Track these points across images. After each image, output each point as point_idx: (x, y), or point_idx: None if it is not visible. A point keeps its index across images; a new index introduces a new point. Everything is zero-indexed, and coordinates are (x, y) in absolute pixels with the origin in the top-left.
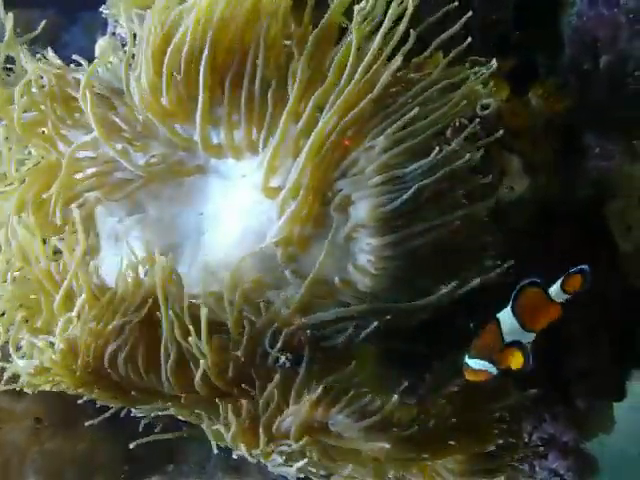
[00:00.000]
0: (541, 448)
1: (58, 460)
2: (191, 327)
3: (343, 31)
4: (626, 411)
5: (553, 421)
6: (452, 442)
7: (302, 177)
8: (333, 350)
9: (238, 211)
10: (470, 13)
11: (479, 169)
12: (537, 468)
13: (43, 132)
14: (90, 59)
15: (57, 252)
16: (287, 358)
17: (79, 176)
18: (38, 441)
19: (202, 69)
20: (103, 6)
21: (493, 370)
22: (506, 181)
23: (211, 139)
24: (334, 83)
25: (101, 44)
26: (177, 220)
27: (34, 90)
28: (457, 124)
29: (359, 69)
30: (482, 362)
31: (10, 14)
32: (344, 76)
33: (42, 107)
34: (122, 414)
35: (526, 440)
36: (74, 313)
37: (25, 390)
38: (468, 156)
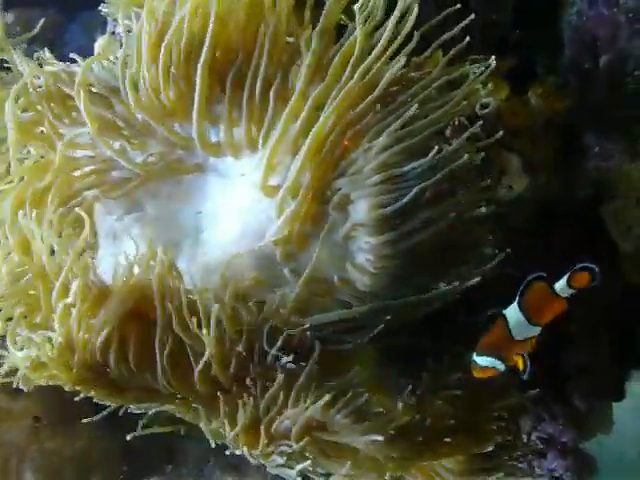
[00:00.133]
0: (540, 446)
1: (57, 459)
2: (193, 319)
3: (340, 28)
4: (626, 412)
5: (552, 421)
6: (450, 442)
7: (301, 176)
8: (333, 350)
9: (237, 210)
10: (473, 16)
11: (478, 168)
12: (536, 468)
13: (42, 132)
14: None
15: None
16: (290, 358)
17: (77, 174)
18: (37, 440)
19: (200, 65)
20: (102, 5)
21: (501, 367)
22: (505, 180)
23: (209, 137)
24: (335, 81)
25: (100, 43)
26: (176, 219)
27: (30, 90)
28: (456, 123)
29: (360, 68)
30: (489, 359)
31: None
32: (345, 74)
33: (39, 107)
34: (120, 412)
35: (525, 440)
36: (69, 299)
37: (21, 387)
38: (467, 157)
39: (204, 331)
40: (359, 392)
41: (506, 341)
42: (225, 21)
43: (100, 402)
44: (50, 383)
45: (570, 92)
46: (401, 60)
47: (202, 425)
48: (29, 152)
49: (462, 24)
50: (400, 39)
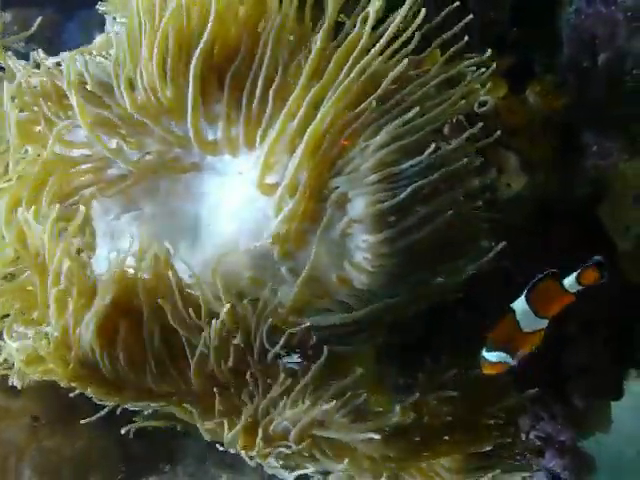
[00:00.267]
0: (538, 443)
1: (55, 458)
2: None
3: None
4: (624, 411)
5: (550, 420)
6: (448, 440)
7: (299, 174)
8: (332, 350)
9: (234, 208)
10: (471, 16)
11: (477, 167)
12: (534, 466)
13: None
14: None
15: None
16: (297, 358)
17: (74, 172)
18: (35, 439)
19: (194, 60)
20: (100, 3)
21: (511, 361)
22: (503, 179)
23: (207, 135)
24: (333, 80)
25: (99, 41)
26: (173, 217)
27: (26, 90)
28: (454, 121)
29: (357, 66)
30: (499, 354)
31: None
32: (342, 73)
33: (35, 108)
34: (119, 412)
35: (523, 439)
36: (62, 286)
37: (15, 382)
38: (465, 156)
39: (204, 325)
40: (358, 393)
41: (515, 334)
42: (224, 17)
43: (99, 402)
44: (45, 378)
45: (568, 90)
46: (404, 62)
47: (198, 425)
48: (27, 151)
49: (461, 24)
50: (402, 39)
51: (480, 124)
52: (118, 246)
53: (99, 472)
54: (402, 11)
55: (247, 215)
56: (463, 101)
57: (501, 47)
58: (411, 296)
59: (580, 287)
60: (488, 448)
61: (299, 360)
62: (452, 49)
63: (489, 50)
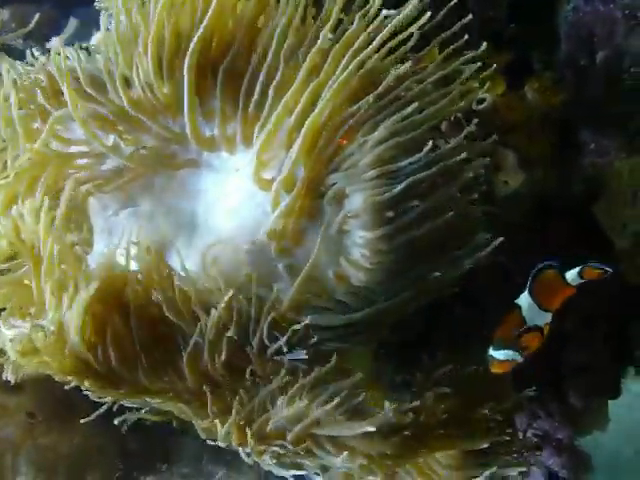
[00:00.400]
0: (535, 440)
1: (52, 455)
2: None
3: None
4: (621, 409)
5: (547, 417)
6: (443, 434)
7: (296, 169)
8: (331, 349)
9: (232, 204)
10: (470, 16)
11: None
12: (531, 464)
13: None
14: None
15: None
16: (303, 354)
17: (72, 171)
18: (32, 436)
19: (188, 54)
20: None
21: (519, 358)
22: (501, 176)
23: (204, 132)
24: (331, 75)
25: (97, 38)
26: (170, 214)
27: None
28: (452, 118)
29: (355, 61)
30: (507, 351)
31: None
32: (339, 68)
33: (31, 106)
34: (115, 409)
35: (520, 437)
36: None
37: (9, 377)
38: (464, 155)
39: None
40: (356, 392)
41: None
42: (222, 11)
43: (97, 399)
44: (40, 371)
45: (566, 88)
46: (407, 64)
47: (194, 422)
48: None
49: (460, 23)
50: (401, 37)
51: (476, 120)
52: (115, 242)
53: (96, 470)
54: (405, 10)
55: (245, 211)
56: (462, 99)
57: (499, 44)
58: (410, 293)
59: (581, 280)
60: (485, 445)
61: (305, 357)
62: (451, 47)
63: (484, 44)
